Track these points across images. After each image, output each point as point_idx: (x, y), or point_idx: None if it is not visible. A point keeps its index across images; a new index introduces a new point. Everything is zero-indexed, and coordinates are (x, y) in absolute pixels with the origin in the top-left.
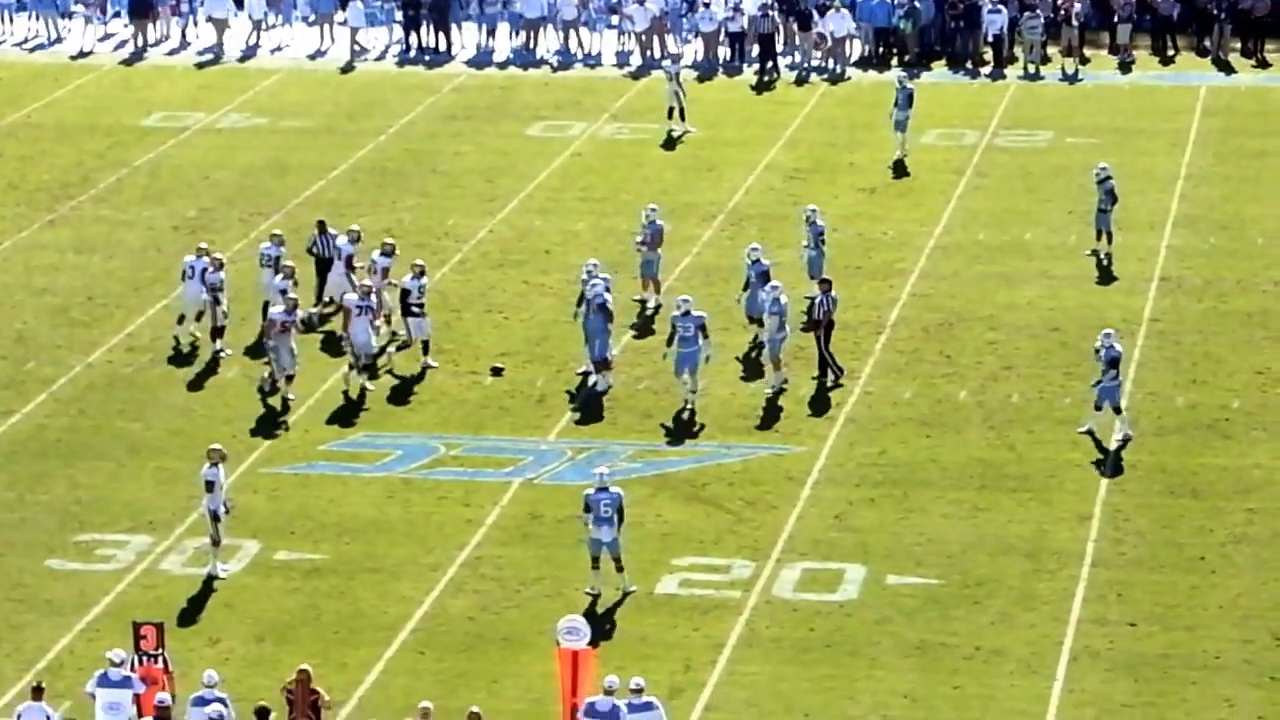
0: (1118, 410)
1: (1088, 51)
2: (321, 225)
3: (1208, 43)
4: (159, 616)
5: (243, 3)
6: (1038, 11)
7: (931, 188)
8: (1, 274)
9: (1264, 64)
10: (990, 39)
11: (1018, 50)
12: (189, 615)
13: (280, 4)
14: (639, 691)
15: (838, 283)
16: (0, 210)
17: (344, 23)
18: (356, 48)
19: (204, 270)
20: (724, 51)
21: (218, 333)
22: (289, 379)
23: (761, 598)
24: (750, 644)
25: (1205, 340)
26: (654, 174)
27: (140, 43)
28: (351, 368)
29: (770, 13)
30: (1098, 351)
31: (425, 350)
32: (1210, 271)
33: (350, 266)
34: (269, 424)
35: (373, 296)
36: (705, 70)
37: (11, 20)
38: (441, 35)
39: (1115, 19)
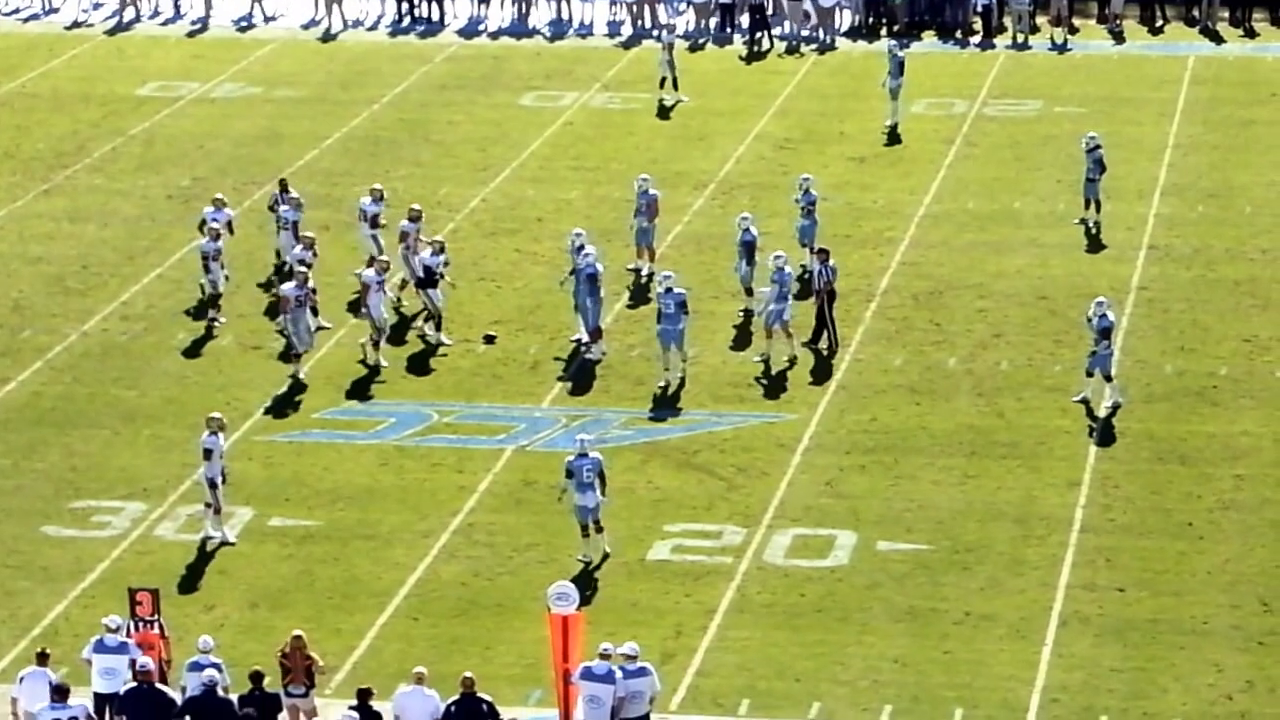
0: (1108, 378)
1: (1076, 21)
2: (283, 184)
3: (1196, 12)
4: (154, 583)
5: None
6: None
7: (921, 157)
8: None
9: (1252, 34)
10: (979, 9)
11: (1006, 20)
12: (184, 581)
13: None
14: (632, 657)
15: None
16: None
17: None
18: (344, 18)
19: (228, 222)
20: (714, 21)
21: (212, 301)
22: (298, 356)
23: (753, 563)
24: (741, 609)
25: (1193, 308)
26: (645, 143)
27: (134, 13)
28: (373, 341)
29: None
30: (1090, 320)
31: (439, 325)
32: (1198, 240)
33: (375, 225)
34: (284, 403)
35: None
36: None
37: None
38: (434, 5)
39: None
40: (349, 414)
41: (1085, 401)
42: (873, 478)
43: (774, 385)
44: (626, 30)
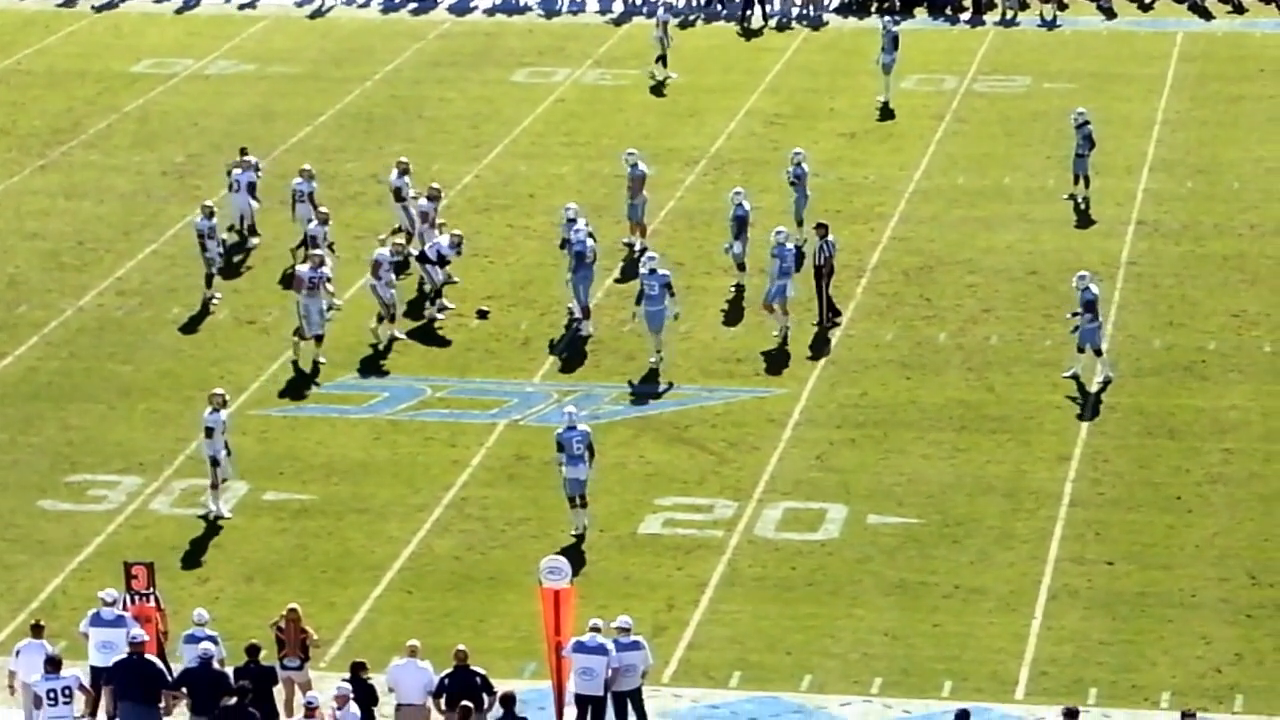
0: (1098, 352)
1: None
2: (243, 152)
3: None
4: (150, 556)
5: None
6: None
7: (911, 133)
8: None
9: (1240, 9)
10: None
11: None
12: (179, 555)
13: None
14: (625, 630)
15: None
16: None
17: None
18: None
19: (250, 184)
20: None
21: (208, 279)
22: (318, 339)
23: (744, 537)
24: (733, 583)
25: (1182, 283)
26: (636, 119)
27: None
28: (379, 319)
29: None
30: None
31: (433, 300)
32: (1187, 215)
33: (400, 199)
34: (300, 385)
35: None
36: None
37: None
38: None
39: None
40: (342, 388)
41: (1075, 377)
42: (863, 452)
43: (765, 360)
44: (618, 7)
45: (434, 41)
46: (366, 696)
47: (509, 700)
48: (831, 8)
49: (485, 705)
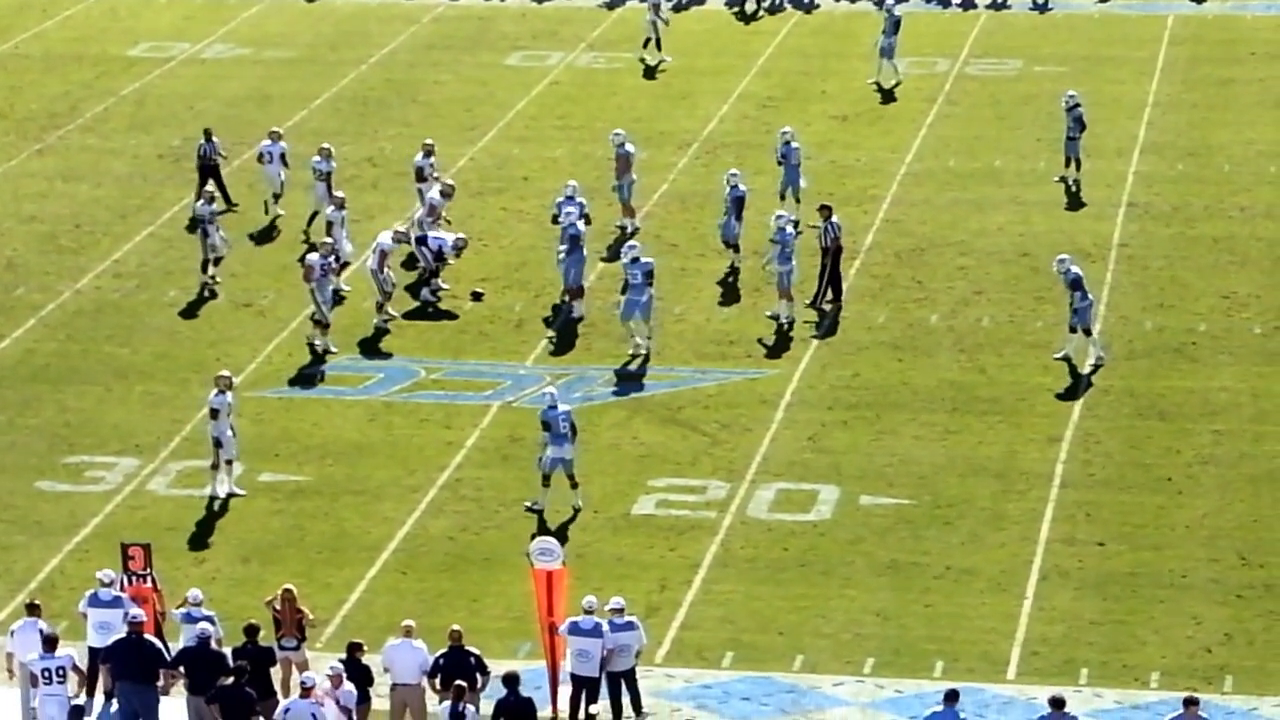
0: (1088, 333)
1: None
2: (208, 133)
3: None
4: (146, 537)
5: None
6: None
7: (903, 115)
8: None
9: None
10: None
11: None
12: (176, 536)
13: None
14: (619, 611)
15: (811, 209)
16: None
17: None
18: None
19: (281, 154)
20: None
21: (212, 263)
22: (325, 326)
23: (736, 518)
24: (725, 564)
25: (1172, 265)
26: (629, 102)
27: None
28: (377, 304)
29: None
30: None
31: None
32: (1177, 197)
33: (421, 179)
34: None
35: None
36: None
37: None
38: None
39: None
40: (337, 369)
41: (1067, 359)
42: (855, 433)
43: (758, 342)
44: None
45: (428, 25)
46: (362, 676)
47: (513, 680)
48: None
49: (480, 685)
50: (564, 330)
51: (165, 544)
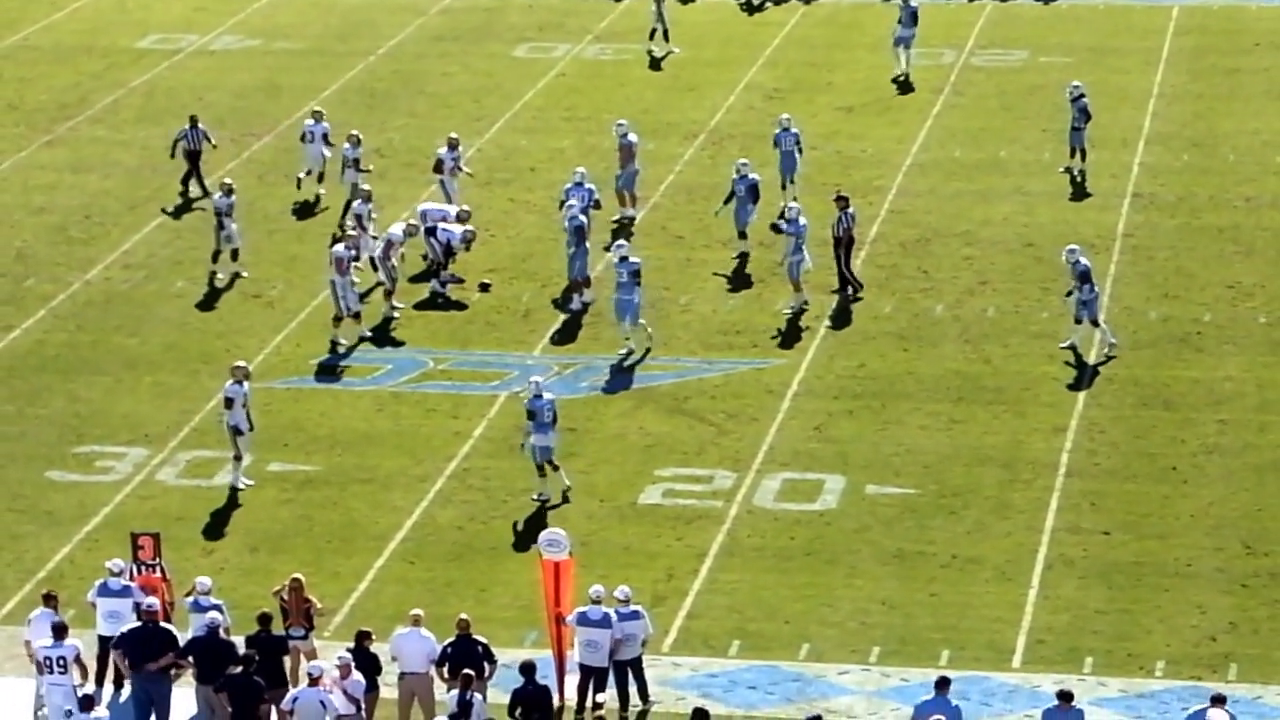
0: (1095, 323)
1: None
2: (193, 120)
3: None
4: (156, 527)
5: None
6: None
7: (909, 106)
8: (1, 193)
9: None
10: None
11: None
12: (185, 525)
13: None
14: (625, 601)
15: (817, 200)
16: None
17: None
18: None
19: (324, 134)
20: None
21: (233, 255)
22: (356, 316)
23: (743, 507)
24: (732, 553)
25: (1177, 255)
26: (636, 94)
27: None
28: (385, 291)
29: None
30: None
31: (437, 271)
32: (1182, 188)
33: (439, 170)
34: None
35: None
36: None
37: None
38: None
39: None
40: (345, 360)
41: (1073, 348)
42: (861, 423)
43: (763, 331)
44: None
45: (436, 16)
46: (370, 665)
47: (529, 669)
48: None
49: (487, 674)
50: (570, 321)
51: (174, 534)
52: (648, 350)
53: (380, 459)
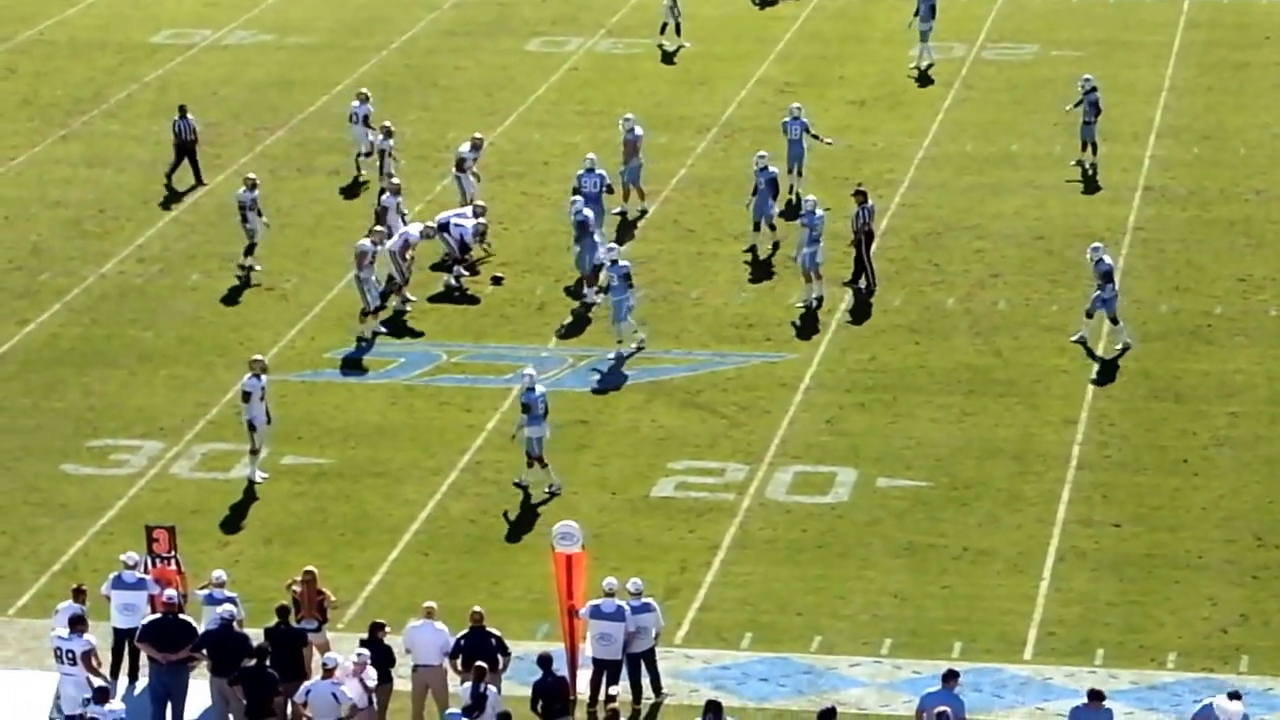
0: (1114, 320)
1: None
2: (182, 110)
3: None
4: (170, 519)
5: None
6: None
7: (920, 100)
8: (16, 187)
9: None
10: None
11: None
12: (200, 518)
13: None
14: (638, 593)
15: (828, 194)
16: (14, 125)
17: None
18: None
19: (365, 116)
20: None
21: (249, 249)
22: (374, 312)
23: (755, 500)
24: (744, 545)
25: (1188, 248)
26: (648, 88)
27: None
28: (395, 288)
29: None
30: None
31: (450, 266)
32: (1193, 181)
33: (460, 168)
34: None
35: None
36: None
37: None
38: None
39: None
40: (360, 354)
41: (1083, 341)
42: (873, 416)
43: (776, 324)
44: None
45: (449, 11)
46: (384, 657)
47: (547, 661)
48: None
49: (501, 666)
50: (580, 315)
51: (189, 526)
52: (637, 349)
53: (394, 452)
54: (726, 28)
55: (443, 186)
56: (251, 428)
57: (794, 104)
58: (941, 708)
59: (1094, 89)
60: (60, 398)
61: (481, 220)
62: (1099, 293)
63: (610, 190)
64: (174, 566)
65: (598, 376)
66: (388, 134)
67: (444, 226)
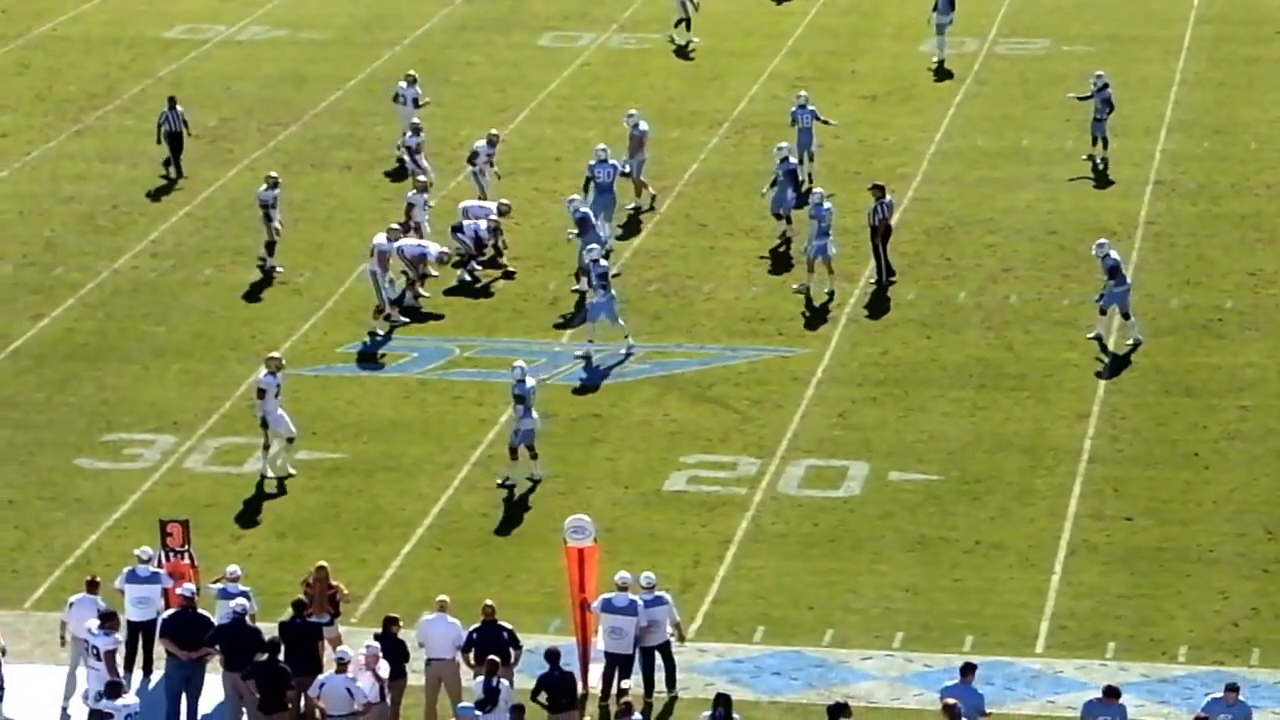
0: (1126, 315)
1: None
2: (171, 101)
3: None
4: (184, 514)
5: None
6: None
7: (931, 95)
8: (30, 183)
9: None
10: None
11: None
12: (213, 512)
13: None
14: (650, 587)
15: (840, 188)
16: (28, 120)
17: None
18: None
19: (415, 99)
20: None
21: (269, 248)
22: (387, 309)
23: (767, 494)
24: (757, 539)
25: (1199, 242)
26: (660, 83)
27: None
28: (408, 280)
29: None
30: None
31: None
32: (1204, 175)
33: (473, 162)
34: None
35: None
36: None
37: None
38: None
39: None
40: (372, 348)
41: (1099, 338)
42: (884, 409)
43: (787, 318)
44: None
45: (461, 6)
46: (397, 651)
47: (554, 655)
48: None
49: (513, 659)
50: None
51: (202, 521)
52: (626, 354)
53: (406, 446)
54: (738, 23)
55: (456, 183)
56: (264, 424)
57: (801, 93)
58: (950, 700)
59: (1106, 85)
60: (74, 392)
61: (494, 217)
62: (1109, 288)
63: (625, 174)
64: (187, 560)
65: (629, 367)
66: (416, 130)
67: (457, 229)
